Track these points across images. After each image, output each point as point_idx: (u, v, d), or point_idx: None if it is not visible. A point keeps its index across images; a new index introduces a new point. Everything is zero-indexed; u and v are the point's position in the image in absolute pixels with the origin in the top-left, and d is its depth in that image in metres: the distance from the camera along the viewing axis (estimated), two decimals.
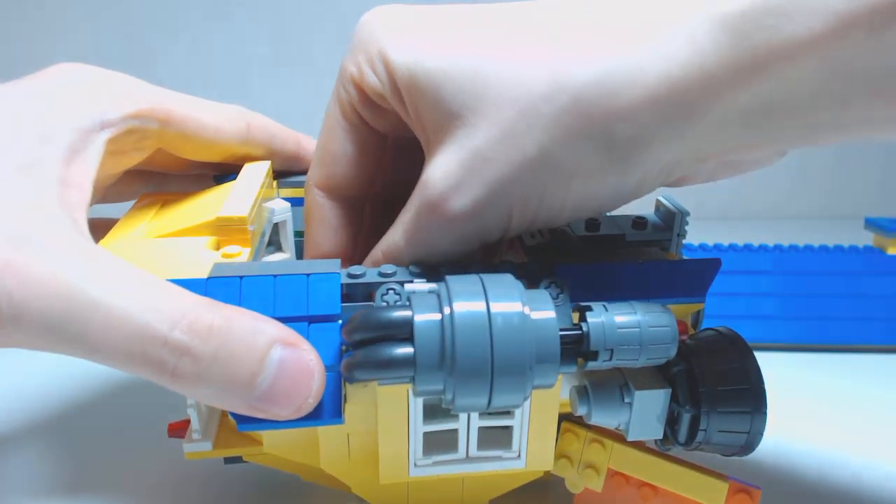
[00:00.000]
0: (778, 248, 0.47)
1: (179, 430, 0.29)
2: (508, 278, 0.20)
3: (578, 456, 0.26)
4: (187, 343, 0.19)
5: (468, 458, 0.25)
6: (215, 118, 0.28)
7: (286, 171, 0.32)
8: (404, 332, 0.20)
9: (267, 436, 0.25)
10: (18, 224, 0.20)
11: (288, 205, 0.31)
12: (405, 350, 0.19)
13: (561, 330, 0.20)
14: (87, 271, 0.20)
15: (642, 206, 0.32)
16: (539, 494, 0.29)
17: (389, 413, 0.23)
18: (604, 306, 0.21)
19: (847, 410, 0.38)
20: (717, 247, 0.47)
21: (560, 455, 0.26)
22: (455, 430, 0.24)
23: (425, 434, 0.24)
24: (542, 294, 0.21)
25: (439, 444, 0.25)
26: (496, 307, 0.19)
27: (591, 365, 0.21)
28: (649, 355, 0.21)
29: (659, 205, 0.30)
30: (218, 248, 0.25)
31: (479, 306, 0.19)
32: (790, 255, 0.47)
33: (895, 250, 0.46)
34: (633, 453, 0.26)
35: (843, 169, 0.77)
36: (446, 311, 0.19)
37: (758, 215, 0.78)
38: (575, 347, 0.21)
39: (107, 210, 0.30)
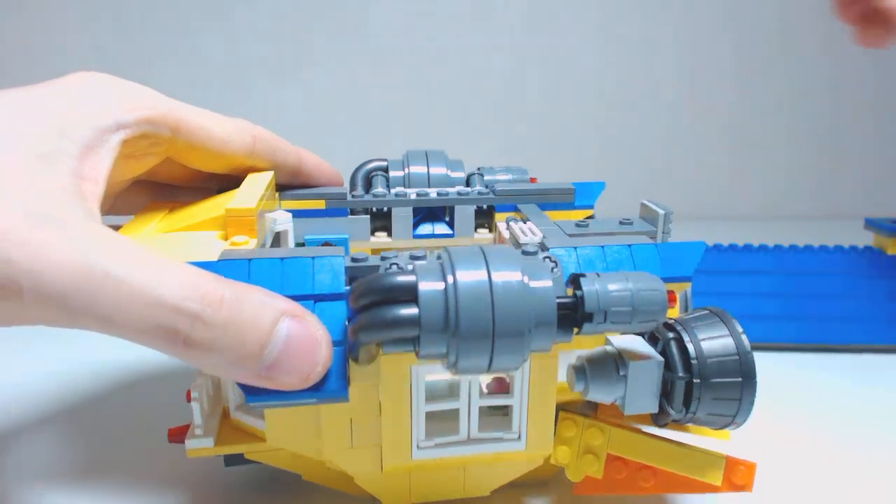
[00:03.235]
0: (778, 248, 0.48)
1: (180, 434, 0.29)
2: (509, 249, 0.22)
3: (577, 441, 0.27)
4: (199, 312, 0.20)
5: (469, 440, 0.25)
6: (223, 129, 0.30)
7: (287, 184, 0.34)
8: (408, 295, 0.21)
9: (270, 428, 0.26)
10: (36, 204, 0.21)
11: (289, 215, 0.33)
12: (410, 311, 0.20)
13: (558, 298, 0.21)
14: (103, 249, 0.21)
15: (629, 211, 0.34)
16: (540, 487, 0.30)
17: (392, 392, 0.24)
18: (597, 274, 0.22)
19: (846, 410, 0.38)
20: (717, 246, 0.48)
21: (559, 443, 0.27)
22: (456, 411, 0.25)
23: (427, 415, 0.24)
24: (541, 264, 0.22)
25: (441, 426, 0.25)
26: (497, 276, 0.21)
27: (587, 328, 0.22)
28: (641, 318, 0.22)
29: (643, 208, 0.32)
30: (226, 239, 0.26)
31: (481, 275, 0.21)
32: (790, 255, 0.47)
33: (895, 250, 0.46)
34: (631, 436, 0.26)
35: (843, 169, 0.79)
36: (450, 279, 0.20)
37: (758, 215, 0.79)
38: (571, 314, 0.22)
39: (115, 221, 0.31)
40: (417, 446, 0.25)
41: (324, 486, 0.28)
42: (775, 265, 0.46)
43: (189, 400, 0.33)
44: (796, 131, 0.77)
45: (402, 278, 0.21)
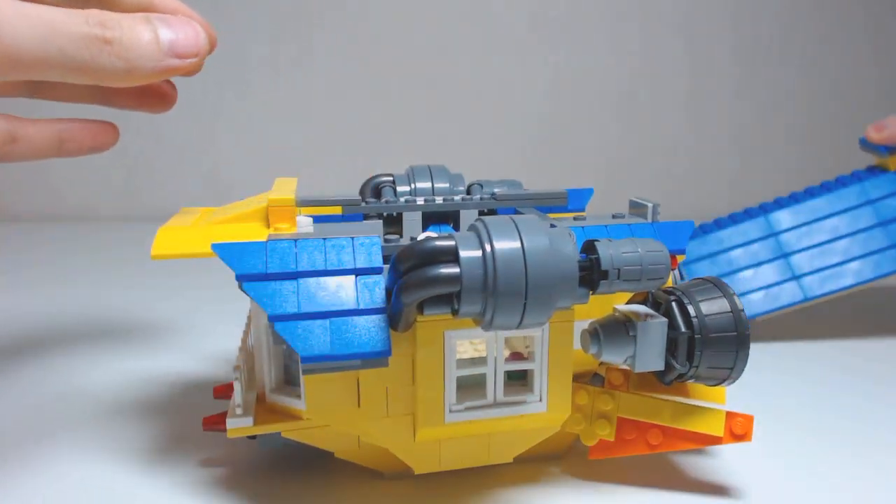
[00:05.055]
0: (763, 207, 0.48)
1: (214, 423, 0.31)
2: (535, 219, 0.25)
3: (590, 408, 0.29)
4: (103, 19, 0.25)
5: (496, 403, 0.27)
6: None
7: None
8: (448, 257, 0.23)
9: (310, 403, 0.27)
10: None
11: (310, 219, 0.35)
12: (451, 269, 0.23)
13: (578, 261, 0.24)
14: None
15: (617, 209, 0.37)
16: (555, 460, 0.32)
17: (427, 355, 0.26)
18: (608, 240, 0.25)
19: (846, 407, 0.39)
20: (702, 227, 0.48)
21: (573, 410, 0.29)
22: (482, 384, 0.28)
23: (458, 379, 0.27)
24: (562, 233, 0.25)
25: (470, 392, 0.27)
26: (528, 242, 0.23)
27: (603, 287, 0.25)
28: (648, 276, 0.25)
29: (632, 204, 0.35)
30: (269, 227, 0.28)
31: (514, 240, 0.23)
32: (778, 213, 0.47)
33: None
34: (639, 399, 0.29)
35: (843, 169, 0.83)
36: (487, 244, 0.23)
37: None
38: (588, 274, 0.25)
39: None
40: (450, 410, 0.27)
41: (352, 467, 0.30)
42: (793, 219, 0.46)
43: (216, 397, 0.35)
44: (796, 133, 0.81)
45: (442, 243, 0.23)
